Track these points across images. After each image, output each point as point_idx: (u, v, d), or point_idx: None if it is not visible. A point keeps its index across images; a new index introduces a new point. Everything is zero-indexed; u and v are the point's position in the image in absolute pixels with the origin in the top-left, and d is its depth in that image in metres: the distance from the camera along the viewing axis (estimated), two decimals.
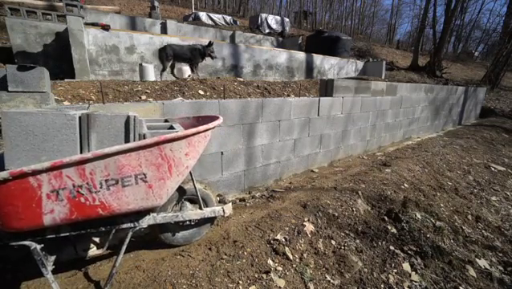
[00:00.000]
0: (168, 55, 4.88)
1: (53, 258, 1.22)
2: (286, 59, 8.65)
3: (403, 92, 4.63)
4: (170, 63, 5.00)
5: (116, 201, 1.10)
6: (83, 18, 5.98)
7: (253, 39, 11.50)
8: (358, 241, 1.88)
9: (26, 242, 1.06)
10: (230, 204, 1.70)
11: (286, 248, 1.69)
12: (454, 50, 23.31)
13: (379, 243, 1.90)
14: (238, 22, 15.04)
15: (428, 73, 11.82)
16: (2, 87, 1.66)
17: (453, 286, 1.65)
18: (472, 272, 1.80)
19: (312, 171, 3.24)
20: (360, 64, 11.14)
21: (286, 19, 14.86)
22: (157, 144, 1.12)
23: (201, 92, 4.01)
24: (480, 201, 2.94)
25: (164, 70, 5.07)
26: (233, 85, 4.51)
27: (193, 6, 16.18)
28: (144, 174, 1.12)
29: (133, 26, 9.27)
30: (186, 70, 6.01)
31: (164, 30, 9.53)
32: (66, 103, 3.10)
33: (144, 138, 1.26)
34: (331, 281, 1.55)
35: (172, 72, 5.27)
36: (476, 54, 23.30)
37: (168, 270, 1.48)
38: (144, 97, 3.57)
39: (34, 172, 0.94)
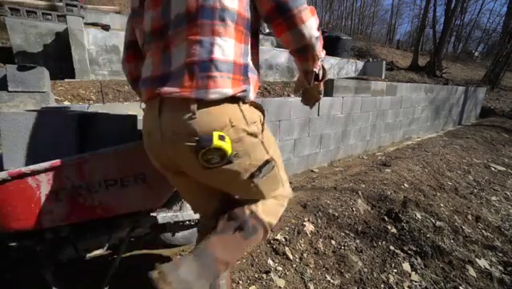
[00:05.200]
0: None
1: (53, 258, 1.22)
2: (286, 58, 8.65)
3: (403, 92, 4.63)
4: None
5: (116, 201, 1.10)
6: (83, 18, 5.98)
7: None
8: (358, 241, 1.88)
9: (26, 243, 1.06)
10: None
11: (286, 248, 1.69)
12: (454, 50, 23.30)
13: (380, 243, 1.89)
14: None
15: (428, 73, 11.81)
16: (2, 87, 1.66)
17: (452, 286, 1.65)
18: (472, 272, 1.80)
19: (312, 171, 3.24)
20: (360, 64, 11.14)
21: None
22: None
23: None
24: (480, 201, 2.93)
25: None
26: None
27: None
28: (144, 174, 1.11)
29: None
30: None
31: None
32: (66, 103, 3.10)
33: None
34: (331, 281, 1.55)
35: None
36: (476, 54, 23.29)
37: None
38: None
39: (33, 173, 0.94)
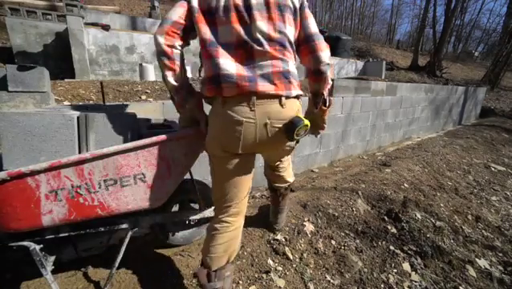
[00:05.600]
0: None
1: (52, 258, 1.22)
2: None
3: (403, 92, 4.63)
4: None
5: (115, 201, 1.10)
6: (83, 18, 5.97)
7: None
8: (358, 241, 1.88)
9: (25, 243, 1.06)
10: None
11: (286, 248, 1.69)
12: (454, 50, 23.29)
13: (379, 243, 1.89)
14: None
15: (428, 73, 11.80)
16: (2, 87, 1.66)
17: (452, 286, 1.65)
18: (472, 272, 1.80)
19: (312, 171, 3.24)
20: (360, 64, 11.14)
21: None
22: (156, 144, 1.12)
23: None
24: (480, 201, 2.93)
25: (201, 67, 5.66)
26: None
27: None
28: (143, 174, 1.11)
29: (133, 26, 9.27)
30: (186, 70, 6.00)
31: None
32: (66, 103, 3.10)
33: (143, 138, 1.26)
34: (331, 281, 1.55)
35: None
36: (476, 54, 23.28)
37: (168, 270, 1.48)
38: (144, 97, 3.57)
39: (33, 173, 0.94)
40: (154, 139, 1.11)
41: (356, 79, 4.21)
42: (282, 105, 1.02)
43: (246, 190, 1.19)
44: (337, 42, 10.72)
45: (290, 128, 1.02)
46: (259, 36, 1.01)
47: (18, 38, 5.68)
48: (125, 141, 1.20)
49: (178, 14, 1.05)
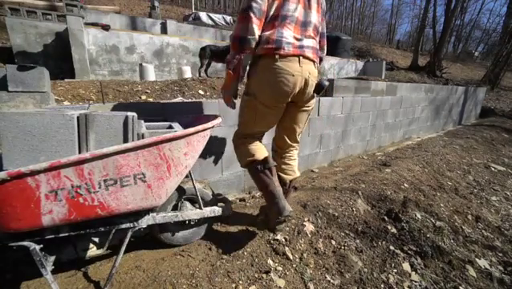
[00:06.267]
0: (207, 54, 5.49)
1: (52, 258, 1.22)
2: None
3: (403, 92, 4.63)
4: (207, 61, 5.61)
5: (115, 201, 1.10)
6: (83, 18, 5.98)
7: None
8: (358, 241, 1.88)
9: (25, 243, 1.06)
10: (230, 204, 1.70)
11: (286, 248, 1.69)
12: (454, 50, 23.29)
13: (379, 243, 1.89)
14: None
15: (428, 73, 11.81)
16: (2, 87, 1.66)
17: (452, 286, 1.65)
18: (472, 272, 1.80)
19: (312, 171, 3.23)
20: (360, 64, 11.14)
21: None
22: (156, 143, 1.12)
23: (201, 92, 4.01)
24: (480, 201, 2.93)
25: (201, 67, 5.66)
26: None
27: (192, 6, 16.19)
28: (143, 174, 1.11)
29: (133, 26, 9.27)
30: (186, 70, 6.01)
31: (164, 30, 9.54)
32: (66, 103, 3.10)
33: (143, 138, 1.26)
34: (331, 281, 1.55)
35: (206, 70, 5.73)
36: (476, 54, 23.28)
37: (168, 270, 1.47)
38: (144, 97, 3.57)
39: (33, 173, 0.93)
40: (154, 139, 1.11)
41: (356, 79, 4.20)
42: (315, 67, 1.51)
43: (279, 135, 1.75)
44: (337, 42, 10.73)
45: (320, 86, 1.50)
46: (312, 21, 1.48)
47: (18, 38, 5.68)
48: (125, 141, 1.20)
49: (265, 3, 1.35)
